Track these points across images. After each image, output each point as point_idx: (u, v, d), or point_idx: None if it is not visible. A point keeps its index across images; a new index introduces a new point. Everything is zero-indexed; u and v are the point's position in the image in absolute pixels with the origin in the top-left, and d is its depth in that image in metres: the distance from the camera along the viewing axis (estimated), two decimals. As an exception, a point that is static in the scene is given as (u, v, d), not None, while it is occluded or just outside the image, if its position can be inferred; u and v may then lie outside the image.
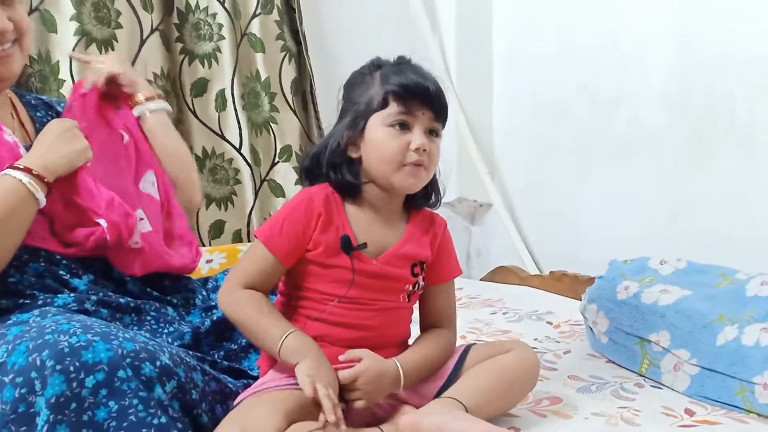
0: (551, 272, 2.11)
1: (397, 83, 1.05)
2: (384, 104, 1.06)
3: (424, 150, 1.05)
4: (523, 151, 2.37)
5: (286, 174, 2.23)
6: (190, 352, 1.06)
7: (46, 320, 0.90)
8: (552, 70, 2.23)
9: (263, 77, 2.15)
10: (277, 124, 2.20)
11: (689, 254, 1.58)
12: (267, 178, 2.22)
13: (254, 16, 2.13)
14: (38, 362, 0.83)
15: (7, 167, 1.05)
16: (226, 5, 2.08)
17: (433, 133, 1.08)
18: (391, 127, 1.06)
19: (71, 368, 0.83)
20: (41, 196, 1.05)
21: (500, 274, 2.26)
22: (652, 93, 1.94)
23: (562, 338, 1.63)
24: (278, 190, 2.23)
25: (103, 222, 1.10)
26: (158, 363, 0.90)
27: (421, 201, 1.17)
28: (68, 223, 1.11)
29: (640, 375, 1.38)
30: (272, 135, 2.20)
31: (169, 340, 1.11)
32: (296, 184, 2.23)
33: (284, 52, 2.18)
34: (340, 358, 1.04)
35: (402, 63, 1.11)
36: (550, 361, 1.47)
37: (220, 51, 2.10)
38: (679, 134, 1.87)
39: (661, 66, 1.91)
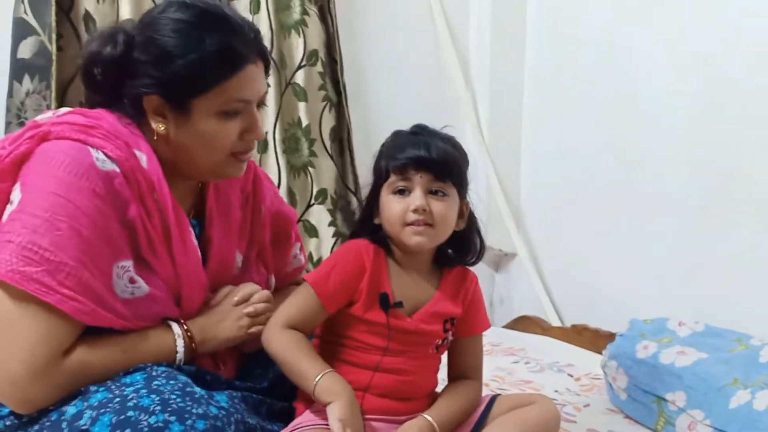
0: (573, 325, 2.17)
1: (393, 156, 1.17)
2: (387, 175, 1.18)
3: (424, 210, 1.14)
4: (548, 204, 2.45)
5: (320, 216, 2.32)
6: (254, 396, 1.15)
7: (129, 388, 0.98)
8: (578, 128, 2.32)
9: (304, 124, 2.27)
10: (314, 168, 2.30)
11: (706, 315, 1.65)
12: (302, 218, 2.32)
13: (299, 67, 2.25)
14: None
15: (177, 323, 1.12)
16: (273, 56, 2.21)
17: (438, 192, 1.16)
18: (394, 194, 1.17)
19: None
20: (179, 362, 1.12)
21: (522, 324, 2.33)
22: (675, 155, 2.01)
23: (582, 391, 1.70)
24: (312, 231, 2.32)
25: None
26: None
27: (453, 260, 1.25)
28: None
29: (656, 432, 1.44)
30: (309, 178, 2.31)
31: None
32: (329, 225, 2.33)
33: (325, 102, 2.30)
34: None
35: (411, 133, 1.20)
36: (570, 414, 1.54)
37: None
38: (700, 197, 1.94)
39: (685, 129, 1.97)
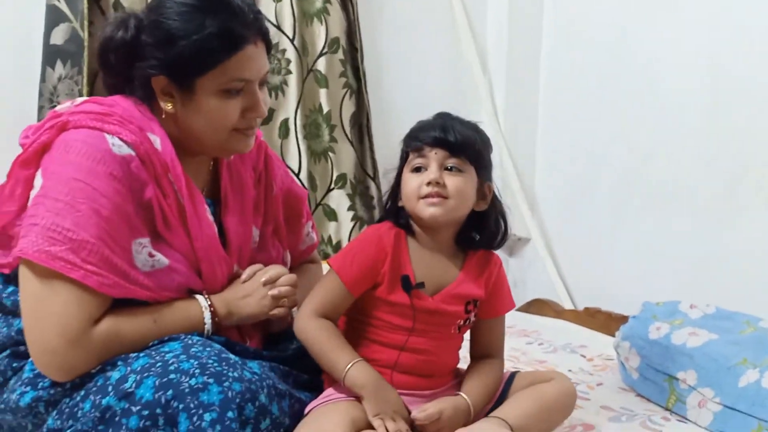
0: (586, 308, 2.23)
1: (412, 138, 1.23)
2: (407, 157, 1.24)
3: (438, 183, 1.18)
4: (562, 190, 2.51)
5: (339, 200, 2.38)
6: (282, 367, 1.21)
7: (169, 354, 1.05)
8: (592, 119, 2.37)
9: (325, 110, 2.32)
10: (334, 153, 2.36)
11: (716, 300, 1.70)
12: (322, 202, 2.38)
13: (321, 54, 2.31)
14: (163, 400, 1.00)
15: (203, 296, 1.18)
16: (295, 43, 2.26)
17: (453, 168, 1.20)
18: (412, 173, 1.22)
19: (191, 406, 0.99)
20: (208, 332, 1.18)
21: (536, 307, 2.38)
22: (686, 149, 2.06)
23: (595, 371, 1.75)
24: (332, 215, 2.38)
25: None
26: (257, 402, 1.04)
27: (476, 242, 1.29)
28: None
29: (667, 409, 1.50)
30: (330, 163, 2.37)
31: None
32: (348, 209, 2.39)
33: (346, 89, 2.35)
34: (418, 415, 1.16)
35: (433, 118, 1.26)
36: (584, 392, 1.59)
37: (287, 84, 2.28)
38: (711, 189, 1.99)
39: (695, 124, 2.03)
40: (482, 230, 1.28)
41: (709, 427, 1.39)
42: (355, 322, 1.27)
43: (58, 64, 1.94)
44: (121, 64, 1.17)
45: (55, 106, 1.92)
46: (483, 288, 1.28)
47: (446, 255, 1.27)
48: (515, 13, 2.56)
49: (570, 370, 1.74)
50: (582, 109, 2.41)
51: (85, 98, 1.22)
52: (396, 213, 1.27)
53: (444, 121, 1.23)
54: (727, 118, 1.95)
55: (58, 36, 1.94)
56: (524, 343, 1.99)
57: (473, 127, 1.26)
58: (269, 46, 1.22)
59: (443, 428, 1.17)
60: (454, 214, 1.22)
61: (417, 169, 1.22)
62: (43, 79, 1.95)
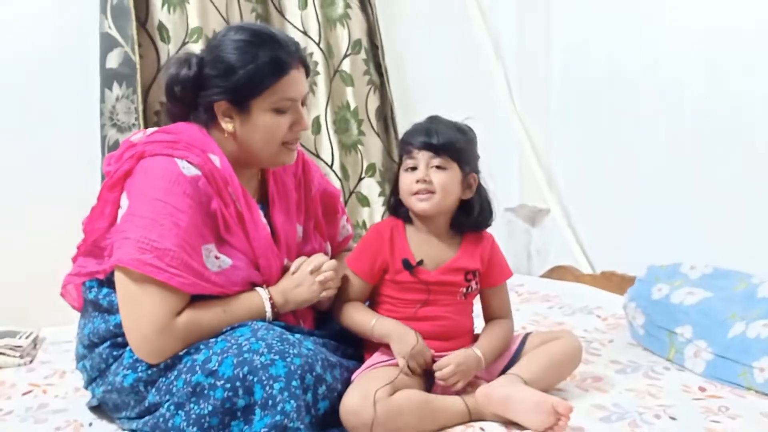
0: (602, 272, 2.43)
1: (405, 142, 1.47)
2: (402, 158, 1.49)
3: (425, 180, 1.41)
4: (577, 164, 2.68)
5: (370, 187, 2.61)
6: (331, 342, 1.45)
7: (241, 338, 1.28)
8: (601, 95, 2.53)
9: (352, 107, 2.54)
10: (363, 145, 2.58)
11: (719, 259, 1.88)
12: (355, 190, 2.61)
13: (345, 56, 2.51)
14: (241, 375, 1.23)
15: (263, 288, 1.41)
16: (321, 46, 2.47)
17: (438, 166, 1.42)
18: (405, 172, 1.47)
19: (264, 378, 1.23)
20: (269, 319, 1.40)
21: (557, 272, 2.59)
22: (686, 120, 2.22)
23: (608, 329, 1.96)
24: (364, 201, 2.61)
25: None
26: (314, 372, 1.29)
27: (467, 224, 1.50)
28: None
29: (668, 360, 1.71)
30: (359, 154, 2.59)
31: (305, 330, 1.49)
32: (379, 196, 2.61)
33: (370, 85, 2.56)
34: (435, 367, 1.41)
35: (424, 122, 1.48)
36: (596, 349, 1.81)
37: (316, 85, 2.49)
38: (708, 158, 2.16)
39: (694, 98, 2.19)
40: (469, 213, 1.50)
41: (702, 373, 1.60)
42: (376, 305, 1.52)
43: (115, 86, 2.18)
44: (186, 94, 1.43)
45: (115, 124, 2.19)
46: (479, 262, 1.50)
47: (443, 237, 1.50)
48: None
49: (585, 330, 1.95)
50: (591, 86, 2.57)
51: (154, 129, 1.47)
52: (396, 206, 1.51)
53: (429, 125, 1.46)
54: (721, 94, 2.10)
55: (113, 60, 2.17)
56: (546, 308, 2.20)
57: (457, 128, 1.47)
58: (308, 71, 1.47)
59: (457, 374, 1.40)
60: (442, 206, 1.46)
61: (409, 169, 1.45)
62: (102, 100, 2.19)
